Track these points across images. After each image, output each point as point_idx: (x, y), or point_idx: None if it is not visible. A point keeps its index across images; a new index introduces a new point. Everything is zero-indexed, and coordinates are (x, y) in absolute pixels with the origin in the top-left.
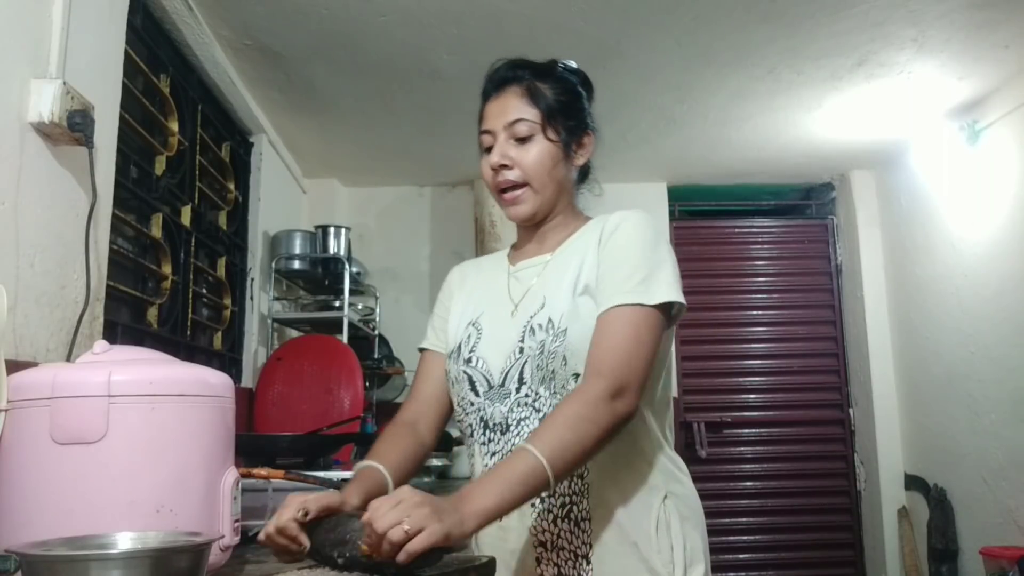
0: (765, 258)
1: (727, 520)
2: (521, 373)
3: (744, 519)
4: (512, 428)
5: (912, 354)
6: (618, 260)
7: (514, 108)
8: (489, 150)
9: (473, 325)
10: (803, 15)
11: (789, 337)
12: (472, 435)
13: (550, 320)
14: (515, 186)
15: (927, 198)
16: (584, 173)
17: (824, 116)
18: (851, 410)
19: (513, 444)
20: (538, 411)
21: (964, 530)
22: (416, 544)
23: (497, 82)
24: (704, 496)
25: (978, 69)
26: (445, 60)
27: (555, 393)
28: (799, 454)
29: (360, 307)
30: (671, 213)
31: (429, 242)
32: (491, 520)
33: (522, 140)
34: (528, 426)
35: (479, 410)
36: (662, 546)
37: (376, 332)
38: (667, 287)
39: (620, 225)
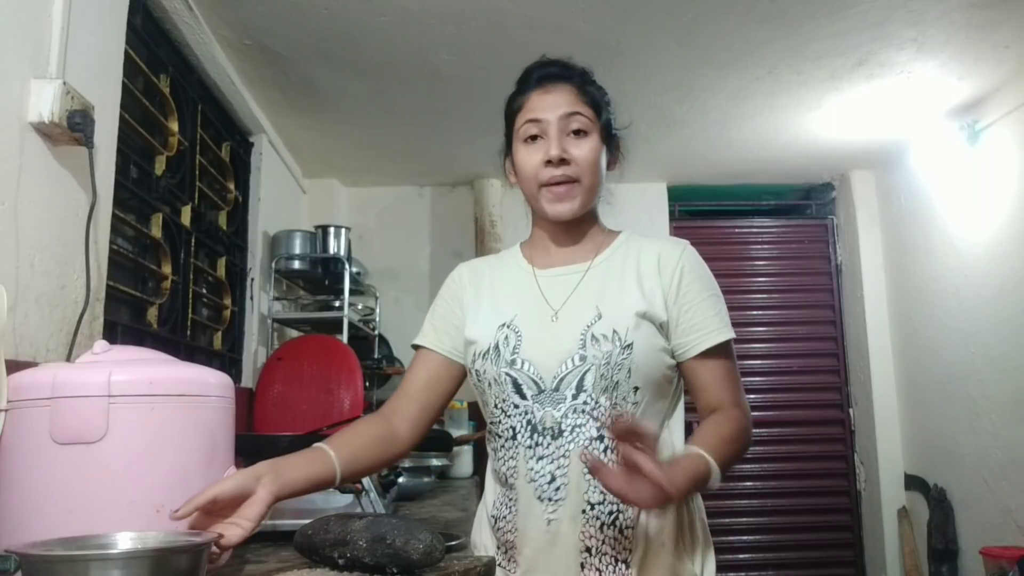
0: (765, 258)
1: (727, 520)
2: (581, 380)
3: (744, 519)
4: (566, 433)
5: (912, 354)
6: (701, 297)
7: (570, 103)
8: (532, 139)
9: (508, 327)
10: (803, 15)
11: (789, 337)
12: (515, 437)
13: (615, 332)
14: (567, 181)
15: (927, 198)
16: None
17: (824, 116)
18: (851, 410)
19: (566, 450)
20: (596, 419)
21: (964, 530)
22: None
23: (547, 76)
24: (704, 496)
25: (978, 69)
26: (445, 60)
27: (615, 404)
28: (799, 454)
29: (360, 307)
30: (671, 213)
31: (429, 242)
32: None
33: (577, 134)
34: (584, 433)
35: (526, 413)
36: (685, 546)
37: (376, 332)
38: (728, 318)
39: (687, 261)
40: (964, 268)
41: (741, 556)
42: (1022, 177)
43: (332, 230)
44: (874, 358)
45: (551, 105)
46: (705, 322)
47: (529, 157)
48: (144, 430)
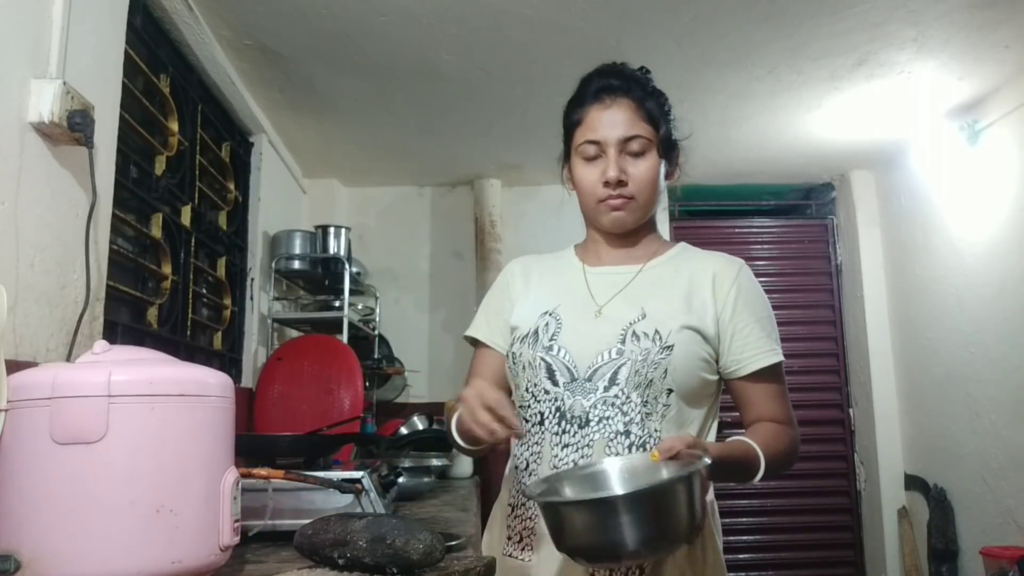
0: (765, 258)
1: (727, 520)
2: (615, 373)
3: (744, 519)
4: (592, 424)
5: (912, 354)
6: (754, 318)
7: (629, 122)
8: (593, 159)
9: (550, 315)
10: (803, 15)
11: (789, 337)
12: (542, 423)
13: (657, 332)
14: (625, 199)
15: (927, 198)
16: None
17: (824, 116)
18: (851, 410)
19: (591, 440)
20: (625, 414)
21: (964, 530)
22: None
23: (605, 90)
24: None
25: (978, 69)
26: (445, 60)
27: (646, 402)
28: (799, 454)
29: (360, 307)
30: (671, 213)
31: (429, 242)
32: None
33: (635, 155)
34: (611, 426)
35: (556, 400)
36: (698, 545)
37: (376, 332)
38: (779, 340)
39: (743, 280)
40: (964, 268)
41: (741, 556)
42: (1022, 177)
43: (332, 230)
44: (874, 358)
45: (610, 124)
46: (757, 343)
47: (588, 175)
48: (144, 430)
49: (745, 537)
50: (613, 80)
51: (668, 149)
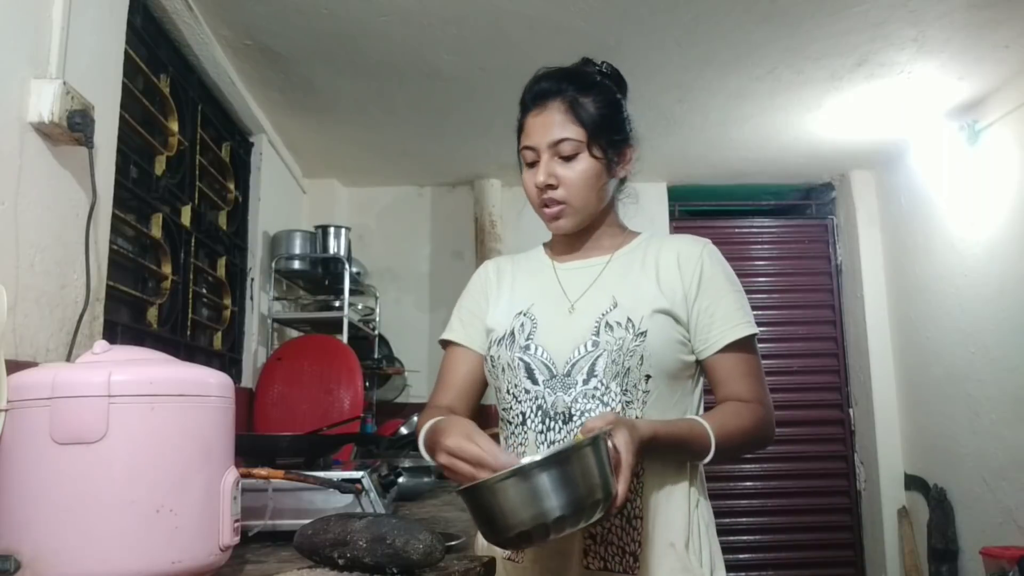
0: (765, 258)
1: (727, 520)
2: (593, 366)
3: (744, 519)
4: (575, 418)
5: (912, 354)
6: (721, 293)
7: (558, 126)
8: (532, 165)
9: (524, 315)
10: (803, 15)
11: (789, 337)
12: (524, 423)
13: (629, 320)
14: (557, 203)
15: (927, 198)
16: (621, 180)
17: (824, 116)
18: (851, 410)
19: (575, 434)
20: (606, 405)
21: (964, 530)
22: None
23: (538, 95)
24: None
25: (978, 69)
26: (445, 60)
27: (626, 391)
28: (799, 454)
29: (360, 307)
30: (671, 213)
31: (429, 242)
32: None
33: (566, 158)
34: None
35: (537, 398)
36: (694, 549)
37: (376, 332)
38: (751, 314)
39: (707, 258)
40: (964, 268)
41: (741, 556)
42: (1022, 177)
43: (332, 230)
44: (874, 358)
45: (540, 130)
46: (726, 318)
47: (527, 181)
48: (144, 430)
49: (745, 537)
50: (544, 83)
51: (609, 145)
